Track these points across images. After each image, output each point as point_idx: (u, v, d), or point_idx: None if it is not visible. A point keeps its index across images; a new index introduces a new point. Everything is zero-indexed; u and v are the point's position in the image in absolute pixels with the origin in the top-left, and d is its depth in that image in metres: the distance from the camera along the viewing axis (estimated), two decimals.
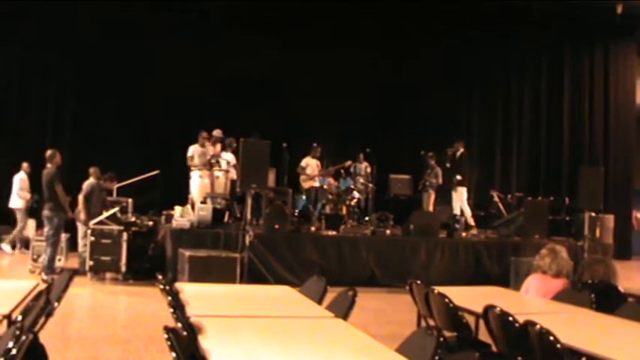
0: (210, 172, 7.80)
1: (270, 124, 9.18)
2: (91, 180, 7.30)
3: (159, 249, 7.05)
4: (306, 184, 8.93)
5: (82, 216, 6.95)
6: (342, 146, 10.54)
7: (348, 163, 9.11)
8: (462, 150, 9.11)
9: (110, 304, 5.72)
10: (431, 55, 10.91)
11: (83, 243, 6.87)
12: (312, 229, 7.56)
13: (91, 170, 7.42)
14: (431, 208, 9.23)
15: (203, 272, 5.87)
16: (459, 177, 8.85)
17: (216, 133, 8.39)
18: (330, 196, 8.72)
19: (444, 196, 9.24)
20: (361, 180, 9.68)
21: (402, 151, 10.81)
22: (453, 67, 11.21)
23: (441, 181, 9.29)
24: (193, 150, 8.15)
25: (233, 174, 7.90)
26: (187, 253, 6.08)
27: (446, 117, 11.28)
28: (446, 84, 11.20)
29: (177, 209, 6.96)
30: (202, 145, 8.16)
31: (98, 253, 6.53)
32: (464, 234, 7.97)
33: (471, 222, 8.78)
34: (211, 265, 6.02)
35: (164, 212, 7.48)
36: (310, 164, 9.04)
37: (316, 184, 8.92)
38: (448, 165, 9.10)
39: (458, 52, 11.12)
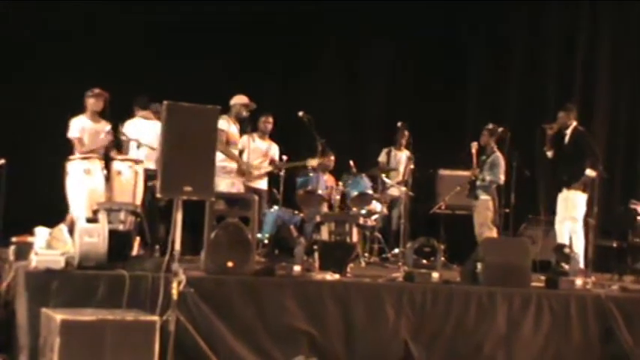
0: (104, 163, 7.89)
1: (218, 75, 9.67)
2: None
3: (1, 309, 6.83)
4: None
5: None
6: (342, 116, 11.18)
7: (314, 162, 9.45)
8: (574, 124, 9.19)
9: None
10: None
11: None
12: (296, 269, 7.35)
13: None
14: (487, 232, 9.38)
15: (90, 352, 5.71)
16: (589, 172, 8.88)
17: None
18: (325, 208, 9.08)
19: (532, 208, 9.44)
20: (392, 181, 9.96)
21: (462, 126, 11.08)
22: None
23: (502, 178, 9.57)
24: (80, 124, 8.23)
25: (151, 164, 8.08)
26: (59, 316, 5.81)
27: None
28: None
29: (41, 234, 6.75)
30: (93, 115, 8.24)
31: None
32: (579, 282, 7.80)
33: (586, 260, 8.84)
34: (105, 337, 5.79)
35: (13, 239, 7.30)
36: (255, 147, 9.27)
37: (259, 184, 9.17)
38: (549, 153, 9.22)
39: None
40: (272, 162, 9.42)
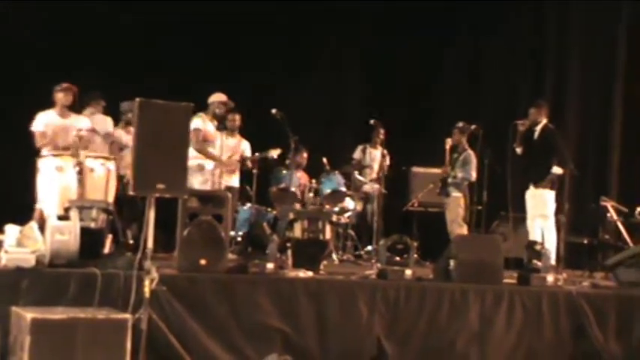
0: (77, 160, 7.79)
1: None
2: None
3: None
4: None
5: None
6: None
7: (275, 152, 9.55)
8: (544, 121, 9.26)
9: None
10: None
11: None
12: (270, 266, 7.34)
13: None
14: (458, 229, 9.45)
15: (61, 351, 5.67)
16: (556, 169, 8.95)
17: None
18: (296, 205, 9.08)
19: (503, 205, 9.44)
20: (364, 179, 10.08)
21: (436, 124, 11.22)
22: None
23: (474, 175, 9.67)
24: (46, 119, 8.21)
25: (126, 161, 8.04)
26: (29, 314, 5.76)
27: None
28: None
29: (11, 231, 6.68)
30: (62, 110, 8.22)
31: None
32: (550, 278, 7.82)
33: (557, 257, 8.83)
34: (77, 336, 5.75)
35: None
36: (226, 144, 9.25)
37: (231, 181, 9.12)
38: (519, 149, 9.27)
39: None
40: (242, 157, 9.44)
